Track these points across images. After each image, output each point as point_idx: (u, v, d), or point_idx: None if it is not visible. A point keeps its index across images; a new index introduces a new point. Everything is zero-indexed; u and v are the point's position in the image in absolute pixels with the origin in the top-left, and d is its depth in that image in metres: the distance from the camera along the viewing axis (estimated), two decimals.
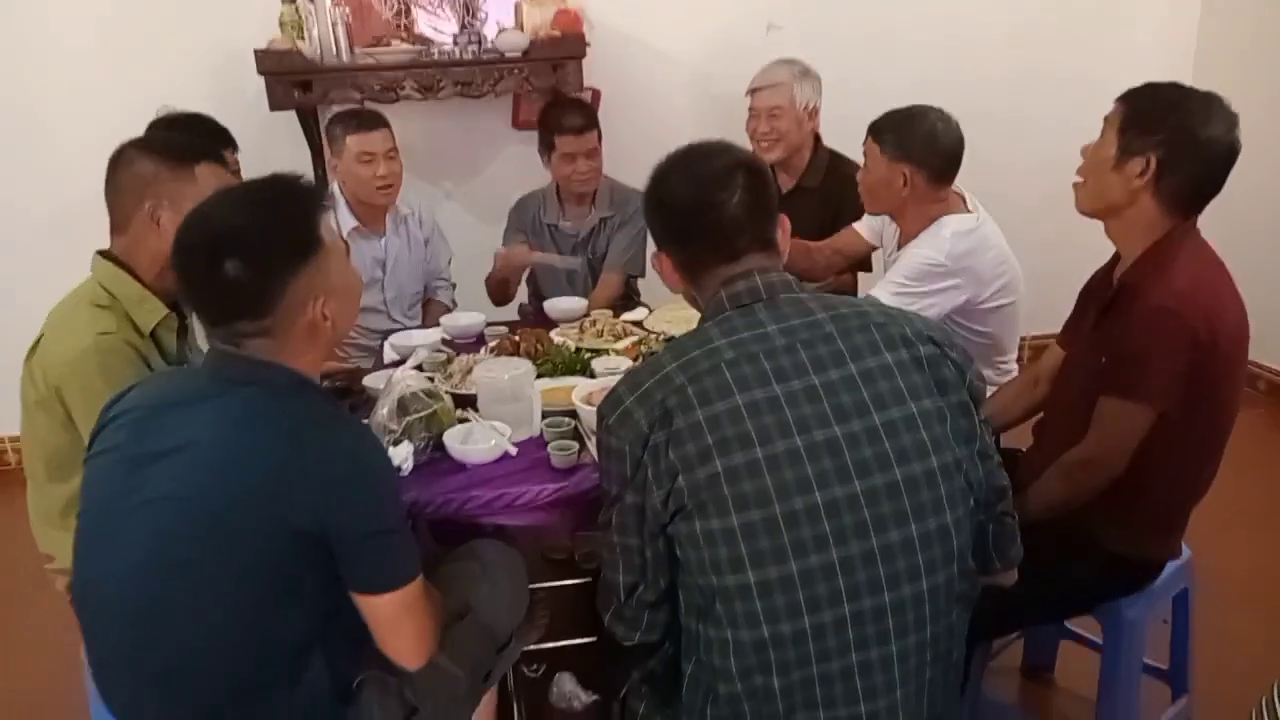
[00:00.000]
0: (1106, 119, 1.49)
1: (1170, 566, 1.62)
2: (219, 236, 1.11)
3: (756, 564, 1.05)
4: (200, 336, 1.77)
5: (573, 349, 2.04)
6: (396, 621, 1.15)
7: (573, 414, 1.65)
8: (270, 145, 2.86)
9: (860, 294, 2.29)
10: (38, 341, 1.53)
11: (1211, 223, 1.49)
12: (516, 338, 2.06)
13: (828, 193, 2.52)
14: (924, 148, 1.94)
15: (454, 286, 2.74)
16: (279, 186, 1.18)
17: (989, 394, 1.95)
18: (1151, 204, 1.44)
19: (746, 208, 1.18)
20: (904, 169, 1.94)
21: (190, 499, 1.08)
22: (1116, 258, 1.57)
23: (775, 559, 1.05)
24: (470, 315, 2.32)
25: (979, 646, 1.59)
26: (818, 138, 2.60)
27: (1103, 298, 1.53)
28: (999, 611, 1.24)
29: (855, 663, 1.07)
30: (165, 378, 1.29)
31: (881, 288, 1.98)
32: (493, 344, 2.07)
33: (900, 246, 2.08)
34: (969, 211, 1.99)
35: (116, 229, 1.55)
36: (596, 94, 3.15)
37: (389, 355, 2.10)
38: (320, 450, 1.10)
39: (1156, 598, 1.63)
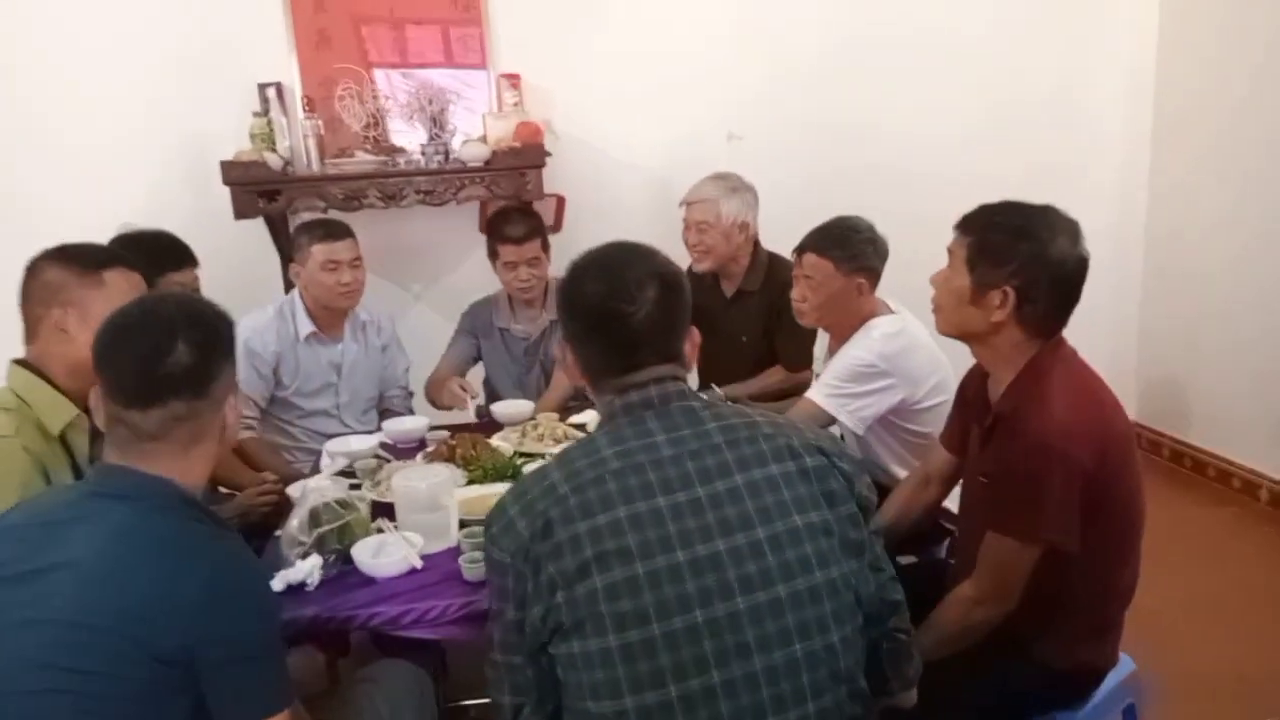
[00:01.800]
0: (950, 249, 1.47)
1: (1114, 679, 1.54)
2: (173, 320, 1.17)
3: (634, 689, 1.00)
4: None
5: (511, 453, 2.02)
6: None
7: None
8: (241, 251, 2.94)
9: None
10: None
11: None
12: (454, 442, 2.05)
13: (768, 295, 2.54)
14: (873, 255, 1.98)
15: (410, 395, 2.72)
16: (205, 300, 1.29)
17: None
18: (1016, 331, 1.42)
19: (652, 322, 1.14)
20: (859, 279, 1.97)
21: (60, 623, 1.05)
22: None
23: (653, 684, 1.00)
24: (414, 420, 2.30)
25: None
26: (756, 242, 2.61)
27: (982, 419, 1.50)
28: None
29: None
30: (46, 495, 1.28)
31: (816, 390, 1.97)
32: (430, 450, 2.06)
33: (831, 354, 2.09)
34: (893, 313, 2.01)
35: (29, 336, 1.57)
36: (561, 200, 3.23)
37: (324, 461, 2.08)
38: (189, 574, 1.08)
39: (1103, 712, 1.55)
